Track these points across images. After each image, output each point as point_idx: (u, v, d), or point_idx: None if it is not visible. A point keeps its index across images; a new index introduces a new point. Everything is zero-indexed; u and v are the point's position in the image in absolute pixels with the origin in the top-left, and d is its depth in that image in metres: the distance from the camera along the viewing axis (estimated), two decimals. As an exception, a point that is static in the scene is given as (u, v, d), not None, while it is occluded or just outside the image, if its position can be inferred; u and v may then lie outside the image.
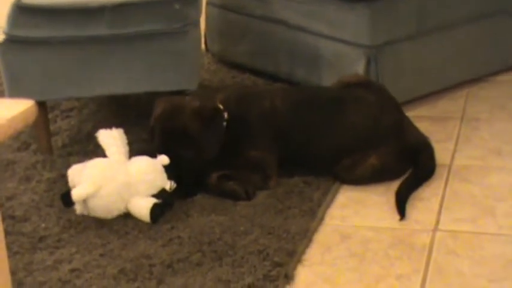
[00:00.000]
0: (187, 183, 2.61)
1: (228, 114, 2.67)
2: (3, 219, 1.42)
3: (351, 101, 2.75)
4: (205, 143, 2.59)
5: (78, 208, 2.50)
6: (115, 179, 2.47)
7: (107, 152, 2.58)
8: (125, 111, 3.31)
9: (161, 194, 2.51)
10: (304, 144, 2.70)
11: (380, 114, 2.72)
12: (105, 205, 2.47)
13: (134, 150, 2.68)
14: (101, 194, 2.45)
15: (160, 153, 2.58)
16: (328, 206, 2.59)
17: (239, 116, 2.69)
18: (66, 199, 2.51)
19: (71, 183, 2.54)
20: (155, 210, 2.47)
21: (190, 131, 2.58)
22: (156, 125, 2.64)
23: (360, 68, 3.10)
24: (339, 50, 3.19)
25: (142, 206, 2.48)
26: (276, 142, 2.70)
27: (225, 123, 2.65)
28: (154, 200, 2.49)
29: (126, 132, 3.06)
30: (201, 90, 3.21)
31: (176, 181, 2.57)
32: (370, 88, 2.83)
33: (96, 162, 2.54)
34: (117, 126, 3.14)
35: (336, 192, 2.67)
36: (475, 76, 3.46)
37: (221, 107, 2.68)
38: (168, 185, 2.54)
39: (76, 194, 2.45)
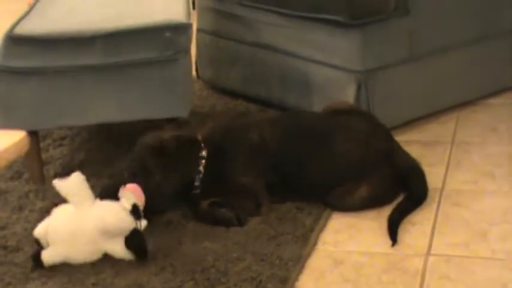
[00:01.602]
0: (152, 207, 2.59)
1: (213, 147, 2.70)
2: (-4, 250, 1.44)
3: (340, 129, 2.76)
4: (160, 177, 2.61)
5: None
6: (85, 231, 2.42)
7: (70, 202, 2.50)
8: (117, 139, 3.32)
9: (133, 234, 2.44)
10: (294, 174, 2.71)
11: (370, 142, 2.74)
12: (83, 257, 2.43)
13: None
14: (75, 251, 2.42)
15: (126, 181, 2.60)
16: (321, 231, 2.59)
17: (227, 147, 2.72)
18: (37, 260, 2.41)
19: (42, 240, 2.47)
20: (135, 247, 2.43)
21: (169, 150, 2.62)
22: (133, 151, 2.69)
23: (350, 93, 3.12)
24: (330, 75, 3.21)
25: (120, 251, 2.45)
26: (266, 172, 2.71)
27: (203, 160, 2.67)
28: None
29: (119, 161, 3.08)
30: (188, 123, 3.23)
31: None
32: (358, 116, 2.85)
33: (60, 217, 2.47)
34: (109, 154, 3.17)
35: (329, 217, 2.68)
36: (466, 99, 3.47)
37: (201, 143, 2.69)
38: (138, 224, 2.46)
39: (47, 260, 2.41)
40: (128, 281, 2.33)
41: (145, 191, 2.56)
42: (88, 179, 2.95)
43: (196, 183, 2.68)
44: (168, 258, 2.45)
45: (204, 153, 2.69)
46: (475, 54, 3.43)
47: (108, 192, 2.58)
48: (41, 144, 3.10)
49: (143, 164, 2.62)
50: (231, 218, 2.61)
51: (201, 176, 2.68)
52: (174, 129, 2.75)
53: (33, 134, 2.87)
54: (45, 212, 2.74)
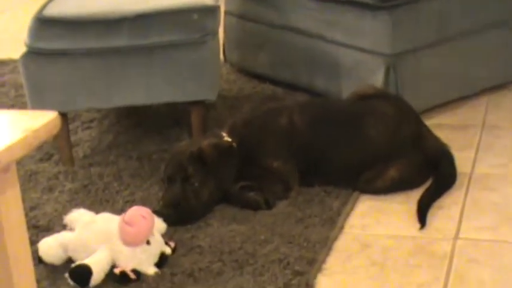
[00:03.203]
0: (186, 209, 2.55)
1: (243, 136, 2.69)
2: (28, 229, 1.45)
3: (368, 114, 2.75)
4: (198, 183, 2.58)
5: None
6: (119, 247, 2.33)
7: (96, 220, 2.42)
8: (144, 122, 3.34)
9: (162, 258, 2.35)
10: (323, 159, 2.71)
11: (398, 126, 2.73)
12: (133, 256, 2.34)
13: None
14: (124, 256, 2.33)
15: (167, 178, 2.59)
16: (348, 215, 2.59)
17: (256, 133, 2.72)
18: (80, 277, 2.25)
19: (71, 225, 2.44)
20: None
21: (208, 157, 2.60)
22: (169, 157, 2.69)
23: (379, 77, 3.10)
24: (359, 59, 3.20)
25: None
26: (295, 156, 2.71)
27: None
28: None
29: (147, 144, 3.10)
30: (215, 107, 3.23)
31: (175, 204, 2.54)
32: (387, 100, 2.84)
33: (96, 229, 2.37)
34: (137, 136, 3.18)
35: (356, 200, 2.68)
36: (495, 83, 3.45)
37: (228, 139, 2.68)
38: (167, 249, 2.39)
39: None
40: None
41: (182, 197, 2.56)
42: (116, 161, 2.98)
43: None
44: (196, 240, 2.46)
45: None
46: (506, 36, 3.39)
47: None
48: (70, 127, 3.13)
49: (182, 170, 2.60)
50: (259, 202, 2.62)
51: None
52: (209, 137, 2.74)
53: (62, 116, 2.89)
54: (74, 193, 2.77)
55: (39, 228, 2.55)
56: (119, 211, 2.50)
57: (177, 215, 2.53)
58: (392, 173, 2.67)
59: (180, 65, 2.88)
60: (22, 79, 2.93)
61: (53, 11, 2.88)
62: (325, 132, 2.73)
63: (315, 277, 2.27)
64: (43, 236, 2.45)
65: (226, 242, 2.43)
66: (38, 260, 2.35)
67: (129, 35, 2.84)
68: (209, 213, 2.60)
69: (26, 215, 2.61)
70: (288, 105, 2.87)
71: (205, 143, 2.66)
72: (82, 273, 2.25)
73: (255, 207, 2.62)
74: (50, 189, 2.82)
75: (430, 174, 2.71)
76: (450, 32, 3.21)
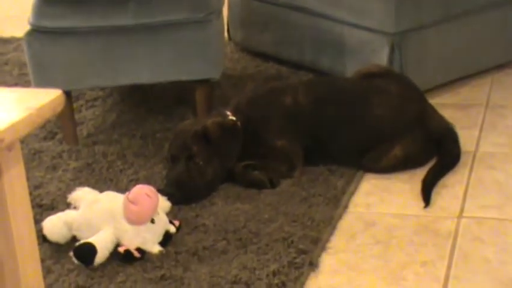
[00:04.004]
0: (191, 188, 2.56)
1: (247, 116, 2.69)
2: (32, 208, 1.46)
3: (373, 93, 2.74)
4: (203, 162, 2.58)
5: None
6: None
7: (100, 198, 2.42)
8: (148, 101, 3.33)
9: (166, 237, 2.36)
10: (328, 138, 2.71)
11: (403, 105, 2.72)
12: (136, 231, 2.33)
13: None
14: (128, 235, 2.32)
15: (172, 156, 2.60)
16: (352, 194, 2.59)
17: (261, 112, 2.72)
18: (85, 255, 2.25)
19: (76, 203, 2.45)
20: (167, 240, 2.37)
21: (212, 135, 2.59)
22: (174, 136, 2.69)
23: (383, 56, 3.09)
24: (363, 38, 3.18)
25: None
26: (300, 135, 2.71)
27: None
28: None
29: (151, 123, 3.10)
30: (219, 85, 3.22)
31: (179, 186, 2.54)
32: (391, 78, 2.83)
33: (99, 208, 2.36)
34: (141, 115, 3.18)
35: (360, 179, 2.68)
36: (500, 62, 3.44)
37: (233, 118, 2.67)
38: (172, 227, 2.39)
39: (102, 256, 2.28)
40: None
41: (187, 175, 2.56)
42: (120, 140, 2.98)
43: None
44: (200, 218, 2.46)
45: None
46: (509, 15, 3.37)
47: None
48: (74, 105, 3.13)
49: (186, 148, 2.60)
50: (264, 181, 2.62)
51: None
52: (213, 116, 2.73)
53: (66, 95, 2.89)
54: (78, 172, 2.78)
55: (43, 207, 2.56)
56: (123, 190, 2.50)
57: (181, 193, 2.53)
58: (397, 151, 2.67)
59: (185, 43, 2.88)
60: (26, 57, 2.93)
61: (56, -11, 2.87)
62: (329, 112, 2.72)
63: (319, 256, 2.27)
64: (47, 215, 2.45)
65: (230, 221, 2.44)
66: (43, 239, 2.36)
67: (134, 13, 2.83)
68: (214, 191, 2.60)
69: (30, 193, 2.61)
70: (292, 84, 2.86)
71: (210, 121, 2.66)
72: (86, 252, 2.25)
73: (259, 186, 2.61)
74: (54, 168, 2.82)
75: (435, 153, 2.71)
76: (454, 11, 3.19)
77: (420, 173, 2.63)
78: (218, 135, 2.62)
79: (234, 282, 2.16)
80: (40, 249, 2.15)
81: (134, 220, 2.30)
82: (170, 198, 2.50)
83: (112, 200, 2.38)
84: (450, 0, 3.17)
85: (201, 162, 2.58)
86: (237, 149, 2.65)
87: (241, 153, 2.66)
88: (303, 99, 2.74)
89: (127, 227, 2.31)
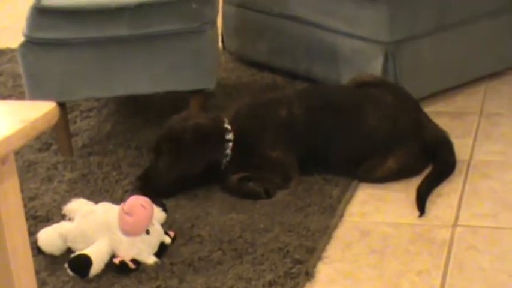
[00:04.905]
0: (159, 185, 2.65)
1: (241, 126, 2.71)
2: (26, 220, 1.45)
3: (368, 102, 2.75)
4: (191, 156, 2.63)
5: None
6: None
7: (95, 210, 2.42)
8: (143, 111, 3.33)
9: (161, 248, 2.36)
10: (323, 148, 2.71)
11: (398, 115, 2.73)
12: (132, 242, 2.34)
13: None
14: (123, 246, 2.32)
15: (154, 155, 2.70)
16: (347, 203, 2.59)
17: (255, 124, 2.73)
18: (80, 267, 2.24)
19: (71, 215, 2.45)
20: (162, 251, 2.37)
21: (184, 138, 2.64)
22: (162, 128, 2.75)
23: (377, 65, 3.10)
24: (357, 47, 3.19)
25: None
26: (295, 146, 2.71)
27: (230, 143, 2.67)
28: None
29: (146, 133, 3.09)
30: (214, 95, 3.22)
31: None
32: (386, 88, 2.83)
33: (93, 219, 2.36)
34: (136, 126, 3.18)
35: (355, 189, 2.68)
36: (494, 71, 3.44)
37: (228, 126, 2.70)
38: (167, 238, 2.39)
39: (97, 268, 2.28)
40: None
41: (152, 172, 2.67)
42: (115, 150, 2.98)
43: (225, 161, 2.68)
44: (195, 229, 2.46)
45: (230, 136, 2.68)
46: (504, 24, 3.39)
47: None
48: (69, 116, 3.12)
49: (159, 146, 2.68)
50: (259, 193, 2.62)
51: (228, 158, 2.68)
52: (207, 118, 2.74)
53: (60, 106, 2.89)
54: (74, 183, 2.77)
55: (37, 219, 2.55)
56: (118, 201, 2.51)
57: (144, 187, 2.63)
58: (391, 164, 2.67)
59: (180, 54, 2.88)
60: (20, 69, 2.92)
61: (51, 0, 2.87)
62: (324, 122, 2.73)
63: (314, 265, 2.27)
64: (42, 227, 2.45)
65: (226, 231, 2.44)
66: (37, 251, 2.35)
67: (128, 24, 2.83)
68: (179, 192, 2.64)
69: (25, 205, 2.61)
70: (288, 95, 2.86)
71: (190, 123, 2.68)
72: (81, 263, 2.25)
73: (255, 197, 2.61)
74: (49, 179, 2.82)
75: (430, 162, 2.71)
76: (448, 20, 3.21)
77: (415, 182, 2.64)
78: (191, 138, 2.64)
79: (230, 293, 2.16)
80: (35, 261, 2.14)
81: (129, 231, 2.30)
82: (135, 188, 2.65)
83: (107, 211, 2.38)
84: (444, 9, 3.18)
85: (161, 164, 2.64)
86: (213, 155, 2.66)
87: (236, 165, 2.66)
88: (297, 110, 2.74)
89: (122, 238, 2.30)
